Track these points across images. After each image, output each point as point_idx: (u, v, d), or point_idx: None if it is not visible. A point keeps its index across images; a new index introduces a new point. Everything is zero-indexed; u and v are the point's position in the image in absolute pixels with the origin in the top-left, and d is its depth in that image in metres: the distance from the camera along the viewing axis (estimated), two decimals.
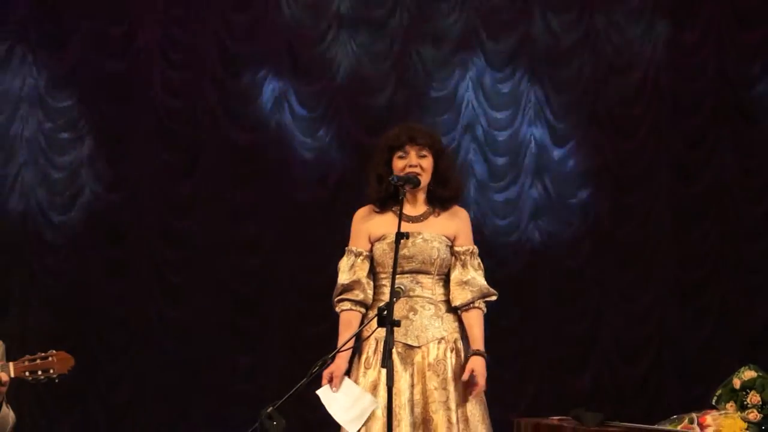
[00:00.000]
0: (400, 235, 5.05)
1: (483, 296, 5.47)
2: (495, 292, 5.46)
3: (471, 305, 5.43)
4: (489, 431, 5.38)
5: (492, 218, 8.75)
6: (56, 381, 5.24)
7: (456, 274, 5.47)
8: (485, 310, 5.48)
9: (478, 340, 5.42)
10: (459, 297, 5.43)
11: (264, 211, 8.63)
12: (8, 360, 5.30)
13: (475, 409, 5.33)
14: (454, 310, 5.47)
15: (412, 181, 5.30)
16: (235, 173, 8.70)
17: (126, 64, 8.65)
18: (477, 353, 5.36)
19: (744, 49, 8.72)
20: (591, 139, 8.81)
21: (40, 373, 5.21)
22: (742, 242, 8.79)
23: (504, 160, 8.84)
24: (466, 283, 5.44)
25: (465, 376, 5.33)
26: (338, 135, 8.76)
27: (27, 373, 5.20)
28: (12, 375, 5.18)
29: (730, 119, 8.74)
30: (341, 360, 5.29)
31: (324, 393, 5.29)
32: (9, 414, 5.33)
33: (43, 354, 5.24)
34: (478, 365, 5.32)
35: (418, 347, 5.35)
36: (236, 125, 8.70)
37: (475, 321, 5.44)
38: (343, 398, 5.38)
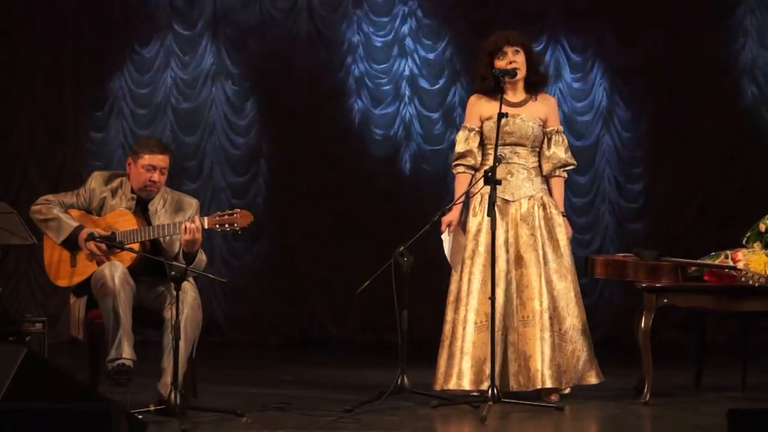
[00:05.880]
0: (501, 115, 5.67)
1: (563, 166, 6.06)
2: (574, 162, 6.10)
3: (553, 174, 6.08)
4: (573, 273, 5.99)
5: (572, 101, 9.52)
6: (239, 233, 5.78)
7: (544, 150, 6.04)
8: (566, 176, 6.08)
9: (558, 203, 6.07)
10: (545, 168, 6.06)
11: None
12: (201, 214, 5.84)
13: (558, 250, 5.95)
14: (543, 175, 6.08)
15: (510, 73, 5.90)
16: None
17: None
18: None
19: None
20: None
21: (227, 226, 5.67)
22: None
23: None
24: (549, 158, 6.05)
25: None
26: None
27: (217, 226, 5.69)
28: (206, 227, 5.69)
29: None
30: (456, 210, 5.96)
31: (445, 236, 5.99)
32: (203, 258, 5.92)
33: (229, 211, 5.74)
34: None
35: (513, 201, 5.95)
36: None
37: (555, 186, 6.08)
38: (452, 241, 5.99)
